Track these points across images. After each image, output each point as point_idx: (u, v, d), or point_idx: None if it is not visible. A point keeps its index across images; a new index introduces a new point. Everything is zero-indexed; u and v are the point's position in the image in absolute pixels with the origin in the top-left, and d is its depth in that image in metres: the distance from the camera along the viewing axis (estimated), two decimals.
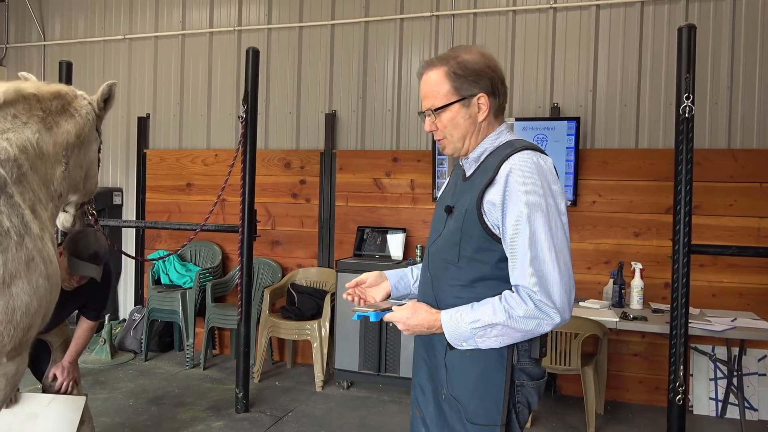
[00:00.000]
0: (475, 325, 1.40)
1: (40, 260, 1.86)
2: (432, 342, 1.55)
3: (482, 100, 1.50)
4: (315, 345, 4.21)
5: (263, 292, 4.51)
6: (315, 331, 4.22)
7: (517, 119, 4.26)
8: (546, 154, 1.48)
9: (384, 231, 4.51)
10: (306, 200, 4.84)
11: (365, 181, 4.68)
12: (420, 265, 1.73)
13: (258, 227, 3.85)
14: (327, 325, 4.24)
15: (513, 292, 1.41)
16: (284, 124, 4.97)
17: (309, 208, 4.83)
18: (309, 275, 4.74)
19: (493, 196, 1.43)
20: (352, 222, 4.69)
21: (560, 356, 3.50)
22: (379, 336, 4.08)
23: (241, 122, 3.70)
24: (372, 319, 1.55)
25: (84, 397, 2.66)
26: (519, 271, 1.39)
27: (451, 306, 1.47)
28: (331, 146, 4.78)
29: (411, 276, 1.77)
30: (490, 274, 1.46)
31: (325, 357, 4.22)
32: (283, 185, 4.89)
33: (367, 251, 4.50)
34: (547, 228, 1.38)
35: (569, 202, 4.12)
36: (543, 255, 1.37)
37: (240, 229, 3.72)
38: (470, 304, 1.44)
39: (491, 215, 1.43)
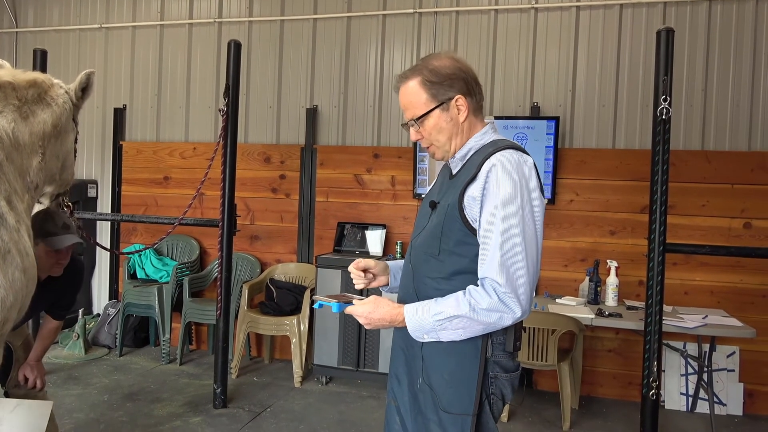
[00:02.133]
0: (438, 317, 1.44)
1: (16, 253, 1.82)
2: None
3: (460, 102, 1.55)
4: (294, 340, 4.20)
5: (242, 287, 4.48)
6: (294, 327, 4.20)
7: (497, 117, 4.30)
8: (528, 154, 1.53)
9: (364, 227, 4.52)
10: (286, 195, 4.82)
11: (346, 176, 4.67)
12: None
13: (237, 222, 3.82)
14: (306, 320, 4.23)
15: (478, 285, 1.45)
16: (264, 118, 4.93)
17: (289, 203, 4.81)
18: (288, 270, 4.71)
19: (473, 191, 1.48)
20: (332, 217, 4.68)
21: (537, 352, 3.55)
22: (358, 332, 4.09)
23: (222, 115, 3.66)
24: (334, 310, 1.57)
25: (50, 403, 2.59)
26: (488, 264, 1.43)
27: (431, 297, 1.51)
28: (312, 141, 4.75)
29: None
30: (468, 268, 1.50)
31: (303, 352, 4.21)
32: (262, 180, 4.85)
33: (347, 247, 4.49)
34: (520, 225, 1.43)
35: (547, 201, 4.18)
36: (514, 250, 1.42)
37: (220, 224, 3.69)
38: (434, 299, 1.49)
39: (471, 210, 1.49)
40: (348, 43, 4.73)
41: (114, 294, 5.18)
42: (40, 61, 4.05)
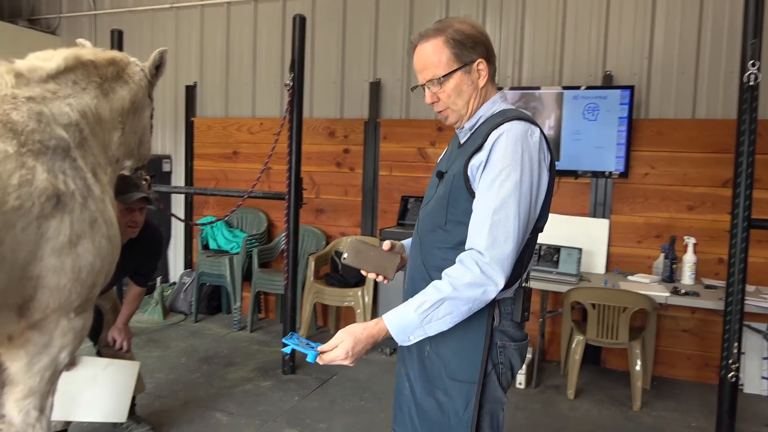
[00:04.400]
0: (423, 308, 1.41)
1: (102, 222, 1.93)
2: None
3: (481, 66, 1.53)
4: (358, 311, 4.27)
5: (308, 258, 4.59)
6: (358, 298, 4.28)
7: (567, 87, 4.14)
8: (537, 126, 1.49)
9: None
10: (350, 169, 4.86)
11: (409, 150, 4.65)
12: None
13: (303, 195, 3.89)
14: (370, 292, 4.30)
15: (456, 263, 1.43)
16: (328, 92, 4.96)
17: (353, 177, 4.85)
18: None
19: (477, 161, 1.46)
20: (395, 191, 4.68)
21: (607, 330, 3.45)
22: None
23: (288, 90, 3.71)
24: (309, 359, 1.42)
25: (138, 363, 2.79)
26: (476, 232, 1.42)
27: (439, 267, 1.48)
28: (376, 115, 4.75)
29: None
30: None
31: None
32: (327, 154, 4.91)
33: (411, 221, 4.49)
34: (516, 198, 1.40)
35: (619, 174, 4.01)
36: (506, 222, 1.40)
37: (286, 197, 3.77)
38: (412, 297, 1.46)
39: (475, 180, 1.47)
40: (412, 15, 4.66)
41: (189, 264, 5.44)
42: (117, 41, 4.23)
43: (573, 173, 4.13)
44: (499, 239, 1.39)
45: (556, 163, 4.61)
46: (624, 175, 4.02)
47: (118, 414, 2.68)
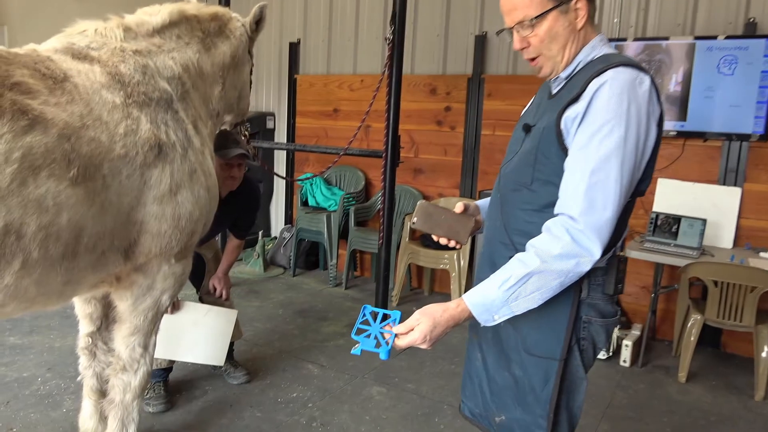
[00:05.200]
0: (508, 284, 1.26)
1: (201, 173, 1.97)
2: (496, 266, 1.40)
3: (580, 4, 1.32)
4: (453, 275, 4.18)
5: (404, 219, 4.54)
6: (453, 262, 4.18)
7: (699, 38, 3.67)
8: (647, 73, 1.26)
9: None
10: (451, 128, 4.69)
11: (515, 108, 4.38)
12: None
13: (401, 154, 3.81)
14: (466, 256, 4.18)
15: (543, 231, 1.28)
16: (431, 47, 4.77)
17: (453, 136, 4.68)
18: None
19: (573, 113, 1.28)
20: (498, 152, 4.47)
21: (730, 310, 3.10)
22: None
23: (388, 44, 3.60)
24: (383, 356, 1.32)
25: (235, 311, 2.91)
26: (570, 196, 1.25)
27: (522, 231, 1.36)
28: (480, 71, 4.52)
29: None
30: None
31: (462, 288, 4.18)
32: (427, 112, 4.77)
33: None
34: (619, 156, 1.22)
35: (759, 137, 3.53)
36: (605, 182, 1.22)
37: (383, 155, 3.71)
38: (495, 273, 1.31)
39: (570, 134, 1.29)
40: None
41: (289, 219, 5.61)
42: None
43: (701, 135, 3.69)
44: (597, 204, 1.23)
45: (682, 123, 4.13)
46: (764, 137, 3.53)
47: (217, 357, 2.82)
